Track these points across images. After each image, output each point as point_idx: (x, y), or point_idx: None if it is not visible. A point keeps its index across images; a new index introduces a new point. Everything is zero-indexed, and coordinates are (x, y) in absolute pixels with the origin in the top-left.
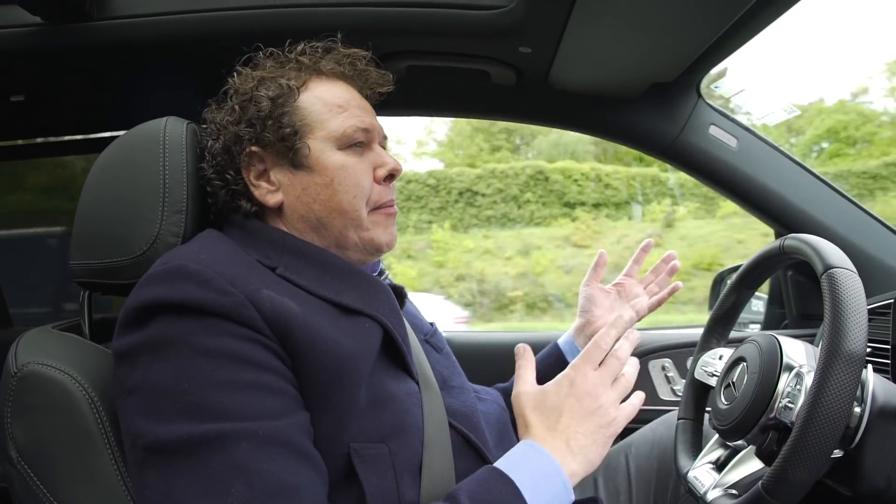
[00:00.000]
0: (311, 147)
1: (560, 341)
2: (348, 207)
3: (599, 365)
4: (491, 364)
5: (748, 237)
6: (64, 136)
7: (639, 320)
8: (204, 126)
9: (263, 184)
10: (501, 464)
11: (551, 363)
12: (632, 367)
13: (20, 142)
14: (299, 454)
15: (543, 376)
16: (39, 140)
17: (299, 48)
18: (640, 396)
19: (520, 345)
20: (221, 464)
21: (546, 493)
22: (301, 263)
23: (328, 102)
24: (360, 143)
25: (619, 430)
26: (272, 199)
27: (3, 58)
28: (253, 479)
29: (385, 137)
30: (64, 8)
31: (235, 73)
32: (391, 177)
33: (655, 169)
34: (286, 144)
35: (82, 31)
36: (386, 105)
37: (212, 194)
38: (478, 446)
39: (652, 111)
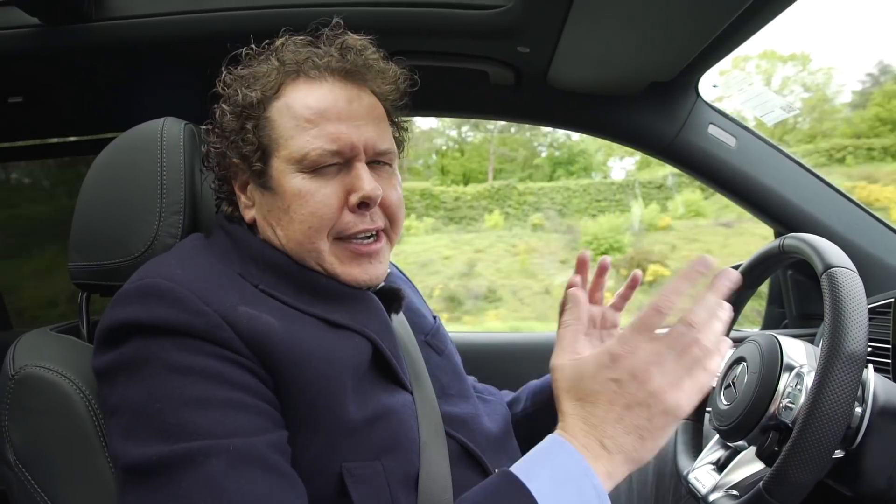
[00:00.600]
0: (274, 168)
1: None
2: (303, 238)
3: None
4: (491, 362)
5: (457, 253)
6: (62, 137)
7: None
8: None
9: (243, 197)
10: (520, 466)
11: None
12: (724, 344)
13: (19, 143)
14: (273, 471)
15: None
16: (37, 142)
17: (279, 42)
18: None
19: (573, 288)
20: (191, 483)
21: (570, 500)
22: (283, 282)
23: (297, 115)
24: (335, 164)
25: (684, 415)
26: (248, 215)
27: (2, 59)
28: (221, 498)
29: (383, 152)
30: (63, 9)
31: (223, 74)
32: (365, 205)
33: (427, 183)
34: (248, 163)
35: (81, 32)
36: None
37: (214, 192)
38: (477, 454)
39: (651, 110)
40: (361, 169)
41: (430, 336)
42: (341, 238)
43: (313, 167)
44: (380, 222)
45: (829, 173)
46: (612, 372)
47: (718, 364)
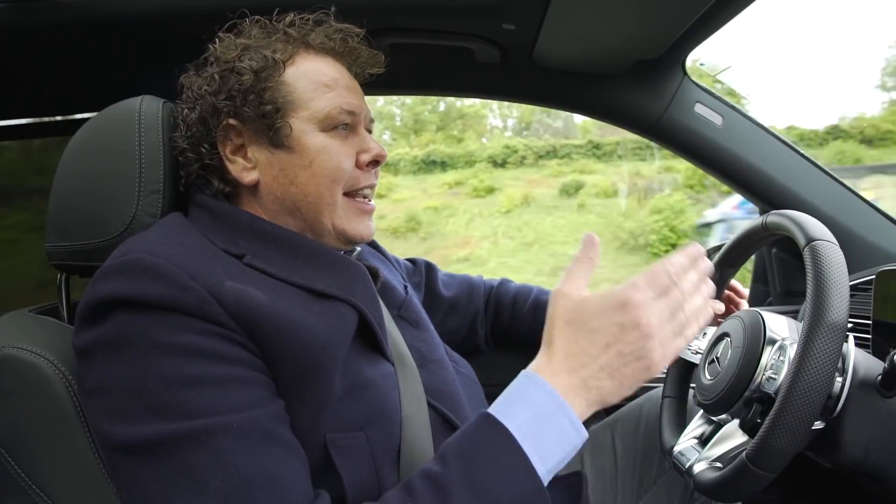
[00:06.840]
0: (292, 126)
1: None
2: (325, 191)
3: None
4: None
5: None
6: (37, 117)
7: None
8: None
9: (240, 159)
10: (497, 406)
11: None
12: (707, 311)
13: None
14: (278, 443)
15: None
16: (10, 122)
17: (288, 19)
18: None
19: (589, 233)
20: (197, 461)
21: (549, 435)
22: (270, 249)
23: (314, 80)
24: (346, 125)
25: (658, 372)
26: (248, 177)
27: None
28: (231, 474)
29: (371, 121)
30: None
31: (217, 40)
32: (375, 163)
33: None
34: (266, 122)
35: (53, 8)
36: (370, 84)
37: (183, 166)
38: (458, 425)
39: (637, 89)
40: (366, 133)
41: (402, 309)
42: (348, 194)
43: (333, 125)
44: (376, 179)
45: None
46: (620, 316)
47: (695, 333)
